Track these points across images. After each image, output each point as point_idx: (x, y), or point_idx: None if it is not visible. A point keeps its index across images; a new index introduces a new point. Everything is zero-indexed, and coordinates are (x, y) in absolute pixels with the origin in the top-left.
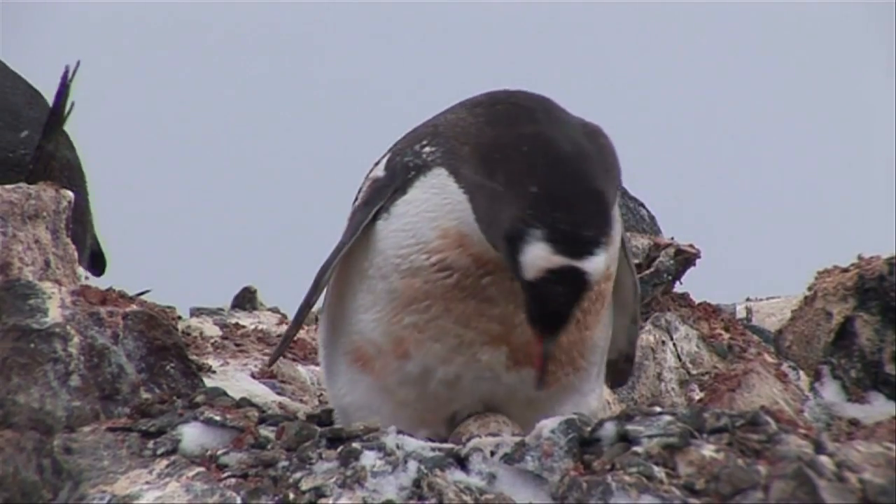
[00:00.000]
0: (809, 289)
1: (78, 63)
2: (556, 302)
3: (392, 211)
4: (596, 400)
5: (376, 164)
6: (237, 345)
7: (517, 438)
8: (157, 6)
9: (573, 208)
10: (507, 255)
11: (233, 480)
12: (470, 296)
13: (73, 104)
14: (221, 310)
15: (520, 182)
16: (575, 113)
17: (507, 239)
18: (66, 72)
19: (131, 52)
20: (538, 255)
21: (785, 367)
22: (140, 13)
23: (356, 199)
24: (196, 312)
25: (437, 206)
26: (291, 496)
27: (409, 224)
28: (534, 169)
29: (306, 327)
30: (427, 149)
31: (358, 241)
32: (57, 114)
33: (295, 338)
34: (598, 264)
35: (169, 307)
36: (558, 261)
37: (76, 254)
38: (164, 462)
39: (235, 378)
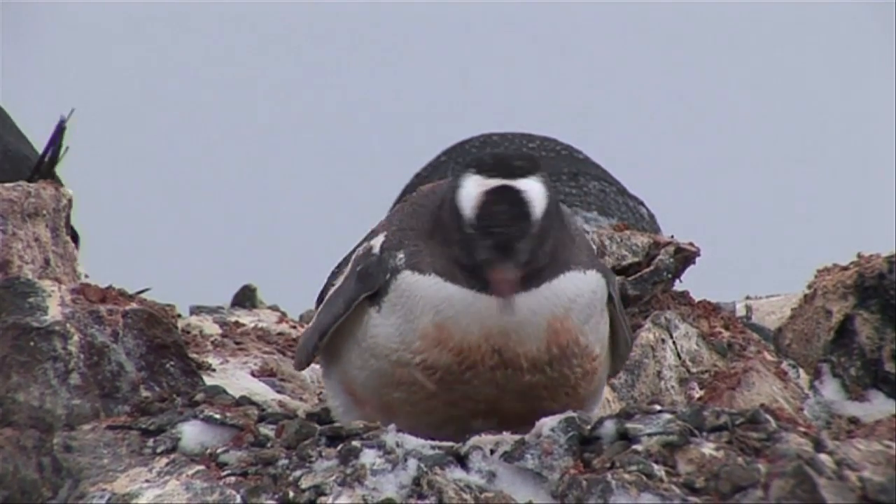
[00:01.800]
0: (809, 287)
1: (72, 111)
2: (500, 223)
3: (382, 306)
4: (598, 407)
5: (375, 231)
6: (237, 343)
7: (517, 437)
8: (154, 5)
9: (499, 153)
10: (452, 227)
11: (232, 479)
12: (455, 387)
13: (67, 148)
14: (221, 308)
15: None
16: (576, 111)
17: (449, 212)
18: (62, 120)
19: (131, 50)
20: (472, 185)
21: (785, 365)
22: (138, 12)
23: (354, 250)
24: (196, 310)
25: (411, 309)
26: (291, 494)
27: (394, 325)
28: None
29: (306, 325)
30: (399, 255)
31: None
32: (48, 158)
33: (294, 336)
34: (533, 187)
35: (168, 305)
36: (492, 182)
37: (76, 252)
38: (164, 460)
39: (235, 376)
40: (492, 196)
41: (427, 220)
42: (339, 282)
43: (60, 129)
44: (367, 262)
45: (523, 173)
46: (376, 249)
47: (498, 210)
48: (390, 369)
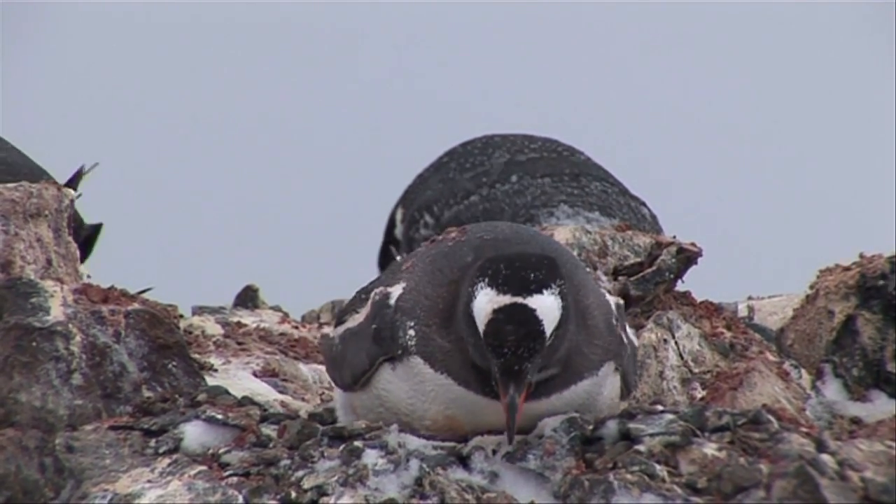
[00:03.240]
0: (811, 287)
1: (95, 164)
2: (510, 344)
3: (397, 368)
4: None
5: (398, 273)
6: (239, 343)
7: (519, 437)
8: (156, 4)
9: (514, 260)
10: (468, 332)
11: (235, 479)
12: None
13: (80, 194)
14: (223, 308)
15: (467, 277)
16: (577, 113)
17: (463, 318)
18: (81, 168)
19: (131, 49)
20: (484, 300)
21: (787, 365)
22: (138, 10)
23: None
24: (198, 311)
25: (423, 391)
26: (293, 495)
27: (406, 392)
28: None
29: (308, 325)
30: (410, 332)
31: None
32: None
33: (297, 336)
34: (546, 302)
35: (171, 305)
36: (502, 300)
37: (78, 252)
38: (166, 461)
39: (237, 376)
40: (502, 315)
41: (442, 299)
42: (360, 316)
43: (77, 176)
44: (382, 322)
45: (538, 288)
46: (392, 301)
47: (507, 330)
48: (396, 417)
